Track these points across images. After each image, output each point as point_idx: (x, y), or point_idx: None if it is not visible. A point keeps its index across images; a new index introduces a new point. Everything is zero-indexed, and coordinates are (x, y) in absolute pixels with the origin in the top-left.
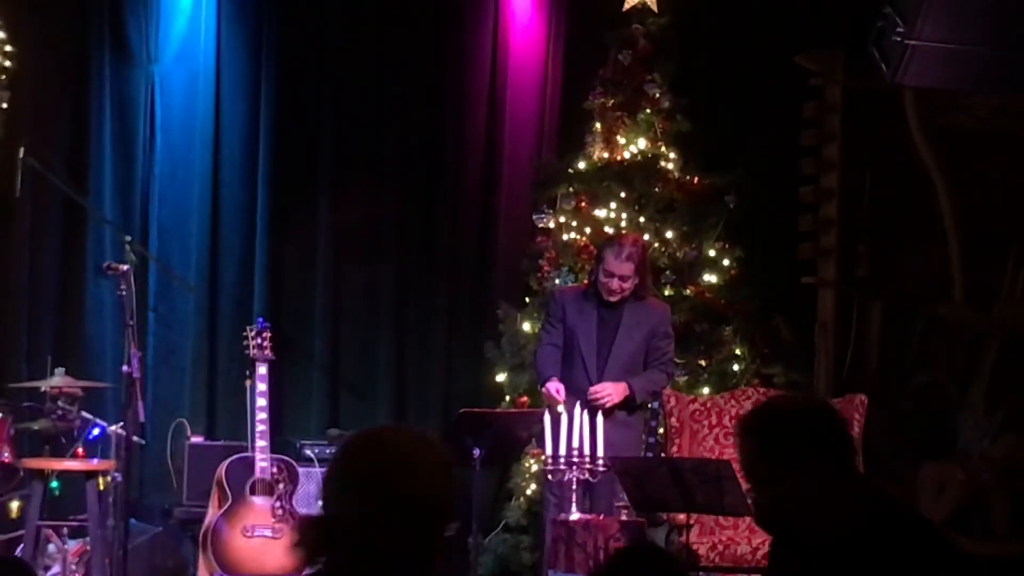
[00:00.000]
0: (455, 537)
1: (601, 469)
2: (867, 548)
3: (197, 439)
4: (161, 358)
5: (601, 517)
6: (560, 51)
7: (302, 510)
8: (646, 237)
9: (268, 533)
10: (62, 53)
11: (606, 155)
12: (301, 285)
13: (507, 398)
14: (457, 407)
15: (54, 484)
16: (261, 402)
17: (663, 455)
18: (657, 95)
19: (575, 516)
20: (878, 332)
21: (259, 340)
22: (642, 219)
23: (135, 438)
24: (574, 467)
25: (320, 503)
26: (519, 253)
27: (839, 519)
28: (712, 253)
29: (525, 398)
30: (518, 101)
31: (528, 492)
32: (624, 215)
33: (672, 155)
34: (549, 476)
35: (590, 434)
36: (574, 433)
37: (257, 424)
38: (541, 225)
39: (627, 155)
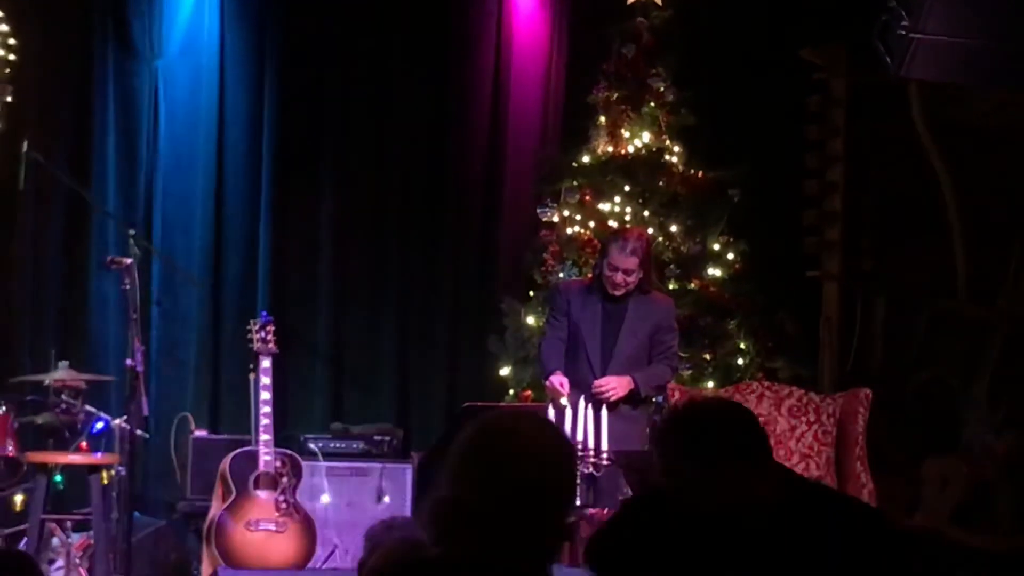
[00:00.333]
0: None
1: (605, 463)
2: (788, 526)
3: (201, 433)
4: (165, 352)
5: (605, 511)
6: (564, 45)
7: (306, 504)
8: (650, 231)
9: (272, 527)
10: (66, 47)
11: (610, 149)
12: (305, 279)
13: (511, 392)
14: (461, 401)
15: (58, 478)
16: (265, 396)
17: None
18: (661, 89)
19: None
20: (882, 326)
21: (263, 334)
22: (646, 213)
23: (139, 432)
24: (578, 461)
25: (446, 482)
26: (523, 247)
27: (760, 502)
28: (716, 247)
29: (529, 392)
30: (522, 95)
31: None
32: (628, 209)
33: (676, 149)
34: None
35: (594, 428)
36: (578, 427)
37: (261, 418)
38: (545, 219)
39: (631, 149)
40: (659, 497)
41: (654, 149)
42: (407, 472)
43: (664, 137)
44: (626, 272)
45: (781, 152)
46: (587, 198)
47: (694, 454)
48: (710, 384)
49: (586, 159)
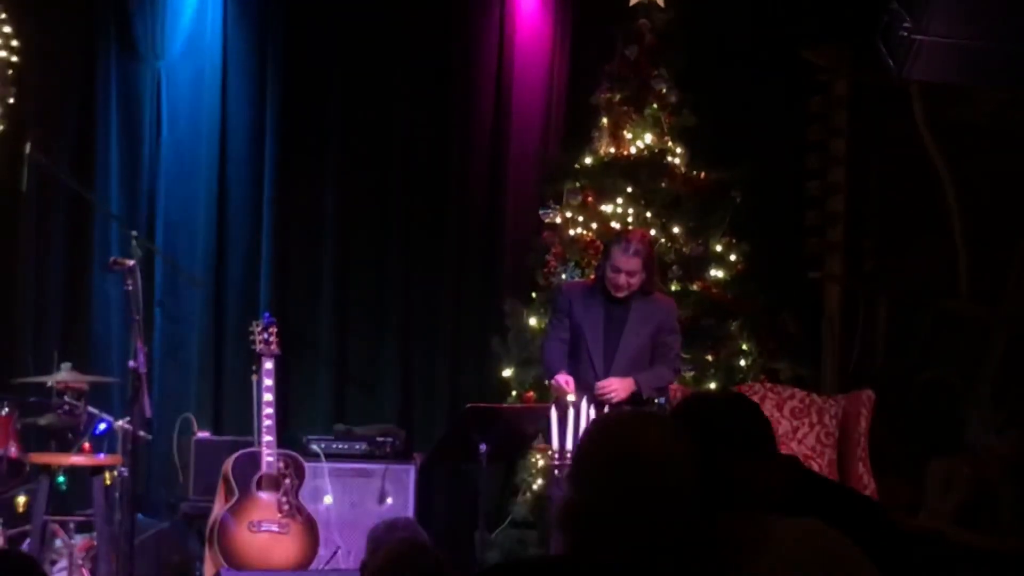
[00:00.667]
0: (462, 532)
1: None
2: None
3: (203, 434)
4: (167, 353)
5: None
6: (566, 46)
7: (308, 505)
8: (653, 232)
9: (275, 528)
10: (68, 49)
11: (612, 150)
12: (307, 280)
13: (513, 393)
14: (463, 402)
15: (60, 479)
16: (267, 397)
17: None
18: (664, 90)
19: None
20: (885, 327)
21: (265, 335)
22: (648, 214)
23: (141, 433)
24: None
25: (570, 484)
26: (525, 248)
27: (768, 491)
28: (719, 248)
29: (531, 393)
30: (524, 96)
31: (535, 487)
32: (631, 210)
33: (679, 150)
34: (556, 471)
35: None
36: (581, 428)
37: (263, 419)
38: (547, 220)
39: (633, 150)
40: None
41: (656, 150)
42: (410, 473)
43: (666, 138)
44: (629, 273)
45: (783, 153)
46: (589, 199)
47: (701, 447)
48: (712, 385)
49: (588, 160)
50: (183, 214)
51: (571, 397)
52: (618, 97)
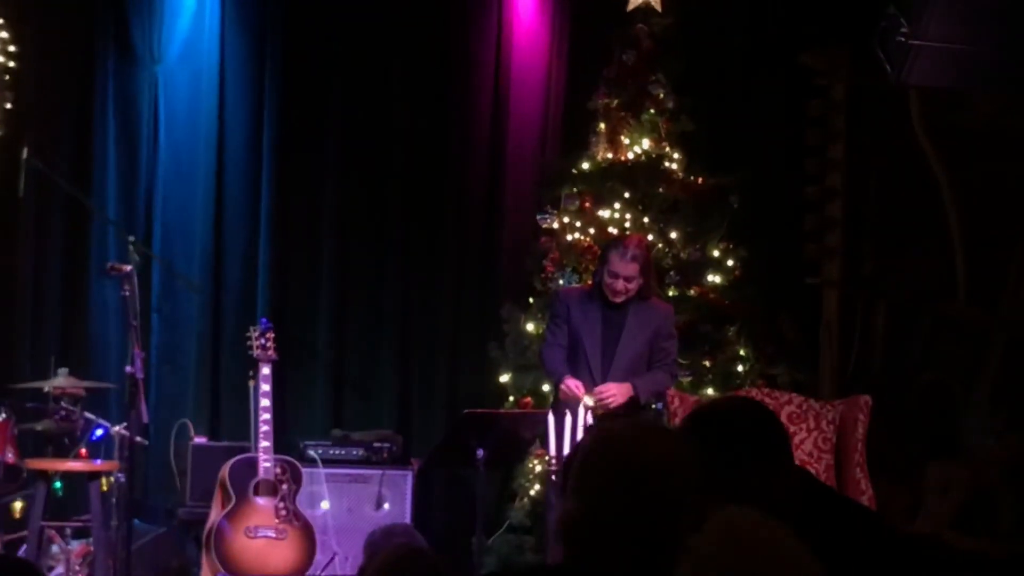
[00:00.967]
0: (460, 537)
1: None
2: (802, 530)
3: (200, 440)
4: (165, 358)
5: None
6: (564, 51)
7: (305, 511)
8: (650, 237)
9: (271, 534)
10: (66, 53)
11: (610, 155)
12: (305, 285)
13: (511, 399)
14: (461, 407)
15: (57, 485)
16: (264, 402)
17: None
18: (661, 95)
19: None
20: (883, 331)
21: (263, 340)
22: (646, 219)
23: (138, 439)
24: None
25: (570, 495)
26: (523, 253)
27: (777, 504)
28: (716, 253)
29: (529, 399)
30: (522, 101)
31: (532, 493)
32: (628, 215)
33: (676, 155)
34: (553, 477)
35: None
36: (578, 434)
37: (260, 424)
38: (545, 225)
39: (631, 155)
40: None
41: (654, 155)
42: (407, 478)
43: (664, 143)
44: (626, 279)
45: (781, 158)
46: (587, 204)
47: (715, 455)
48: (710, 391)
49: (586, 165)
50: (181, 219)
51: (587, 400)
52: (616, 102)
